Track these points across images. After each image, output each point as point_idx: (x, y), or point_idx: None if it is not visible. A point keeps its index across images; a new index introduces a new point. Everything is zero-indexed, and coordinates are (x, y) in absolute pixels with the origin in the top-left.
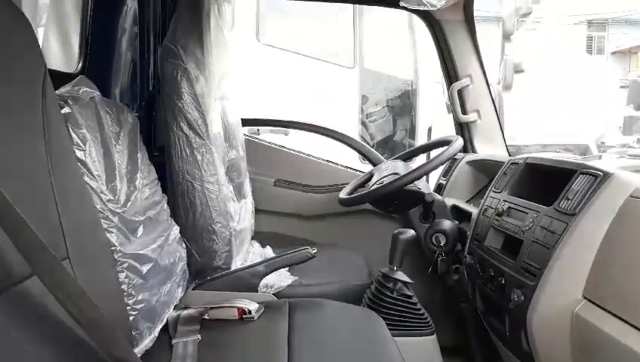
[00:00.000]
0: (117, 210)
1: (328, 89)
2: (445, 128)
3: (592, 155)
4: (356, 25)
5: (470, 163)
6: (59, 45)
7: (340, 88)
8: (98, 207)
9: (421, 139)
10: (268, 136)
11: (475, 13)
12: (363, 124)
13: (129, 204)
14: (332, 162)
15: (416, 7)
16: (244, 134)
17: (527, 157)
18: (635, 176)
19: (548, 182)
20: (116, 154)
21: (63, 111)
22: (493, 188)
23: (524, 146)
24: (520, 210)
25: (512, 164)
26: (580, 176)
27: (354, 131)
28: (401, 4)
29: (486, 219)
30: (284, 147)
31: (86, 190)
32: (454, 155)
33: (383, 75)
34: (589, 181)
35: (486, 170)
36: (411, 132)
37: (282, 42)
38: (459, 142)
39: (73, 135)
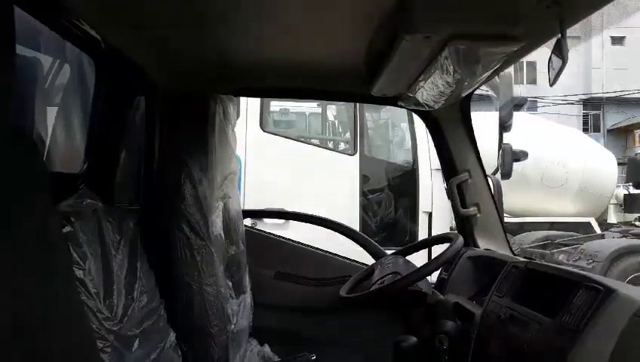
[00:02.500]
0: (113, 328)
1: (330, 174)
2: (445, 214)
3: (595, 234)
4: (357, 114)
5: (471, 258)
6: (65, 143)
7: (341, 174)
8: (94, 326)
9: (422, 225)
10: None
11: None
12: (364, 206)
13: (125, 319)
14: (332, 254)
15: (414, 108)
16: (245, 225)
17: (528, 262)
18: (638, 292)
19: (550, 288)
20: (116, 266)
21: (64, 230)
22: (495, 292)
23: (528, 224)
24: (523, 319)
25: (513, 267)
26: (583, 289)
27: (355, 214)
28: (399, 104)
29: (489, 326)
30: (284, 238)
31: (83, 312)
32: (455, 254)
33: (383, 162)
34: (592, 296)
35: (488, 266)
36: (412, 216)
37: (285, 131)
38: (459, 242)
39: (73, 254)
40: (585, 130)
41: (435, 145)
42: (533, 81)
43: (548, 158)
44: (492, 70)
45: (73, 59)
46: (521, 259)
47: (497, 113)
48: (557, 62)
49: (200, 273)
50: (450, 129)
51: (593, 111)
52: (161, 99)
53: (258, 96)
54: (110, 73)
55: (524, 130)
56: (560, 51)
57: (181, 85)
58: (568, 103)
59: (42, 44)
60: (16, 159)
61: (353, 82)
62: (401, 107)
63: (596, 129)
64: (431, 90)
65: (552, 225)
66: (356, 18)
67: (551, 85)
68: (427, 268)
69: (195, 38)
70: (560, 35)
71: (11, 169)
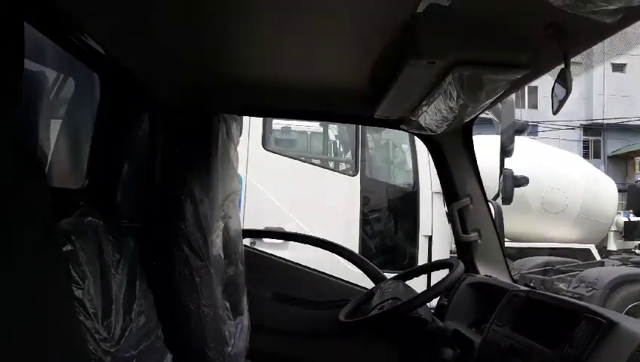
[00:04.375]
0: (110, 350)
1: (330, 194)
2: (445, 237)
3: (594, 261)
4: (358, 135)
5: (472, 285)
6: (67, 158)
7: (341, 194)
8: (91, 348)
9: (422, 248)
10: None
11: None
12: (364, 227)
13: (123, 339)
14: (332, 276)
15: (417, 132)
16: (244, 245)
17: (529, 291)
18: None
19: (551, 318)
20: (115, 286)
21: (64, 248)
22: (495, 321)
23: (528, 249)
24: (523, 350)
25: (514, 296)
26: (584, 321)
27: (355, 234)
28: (402, 127)
29: (489, 355)
30: (283, 259)
31: (81, 332)
32: (456, 281)
33: (384, 183)
34: (593, 328)
35: (488, 293)
36: (412, 239)
37: (287, 149)
38: (460, 268)
39: (73, 273)
40: (585, 155)
41: (437, 170)
42: (534, 105)
43: (548, 183)
44: (496, 96)
45: (78, 73)
46: (522, 288)
47: (498, 137)
48: (561, 91)
49: (198, 294)
50: (452, 154)
51: (594, 137)
52: (164, 116)
53: (261, 116)
54: (114, 89)
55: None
56: (564, 80)
57: (185, 103)
58: (569, 128)
59: (47, 57)
60: (18, 175)
61: (356, 104)
62: (404, 130)
63: (597, 155)
64: (434, 114)
65: (552, 251)
66: (360, 42)
67: (554, 113)
68: (427, 295)
69: (200, 57)
70: (564, 64)
71: (12, 185)
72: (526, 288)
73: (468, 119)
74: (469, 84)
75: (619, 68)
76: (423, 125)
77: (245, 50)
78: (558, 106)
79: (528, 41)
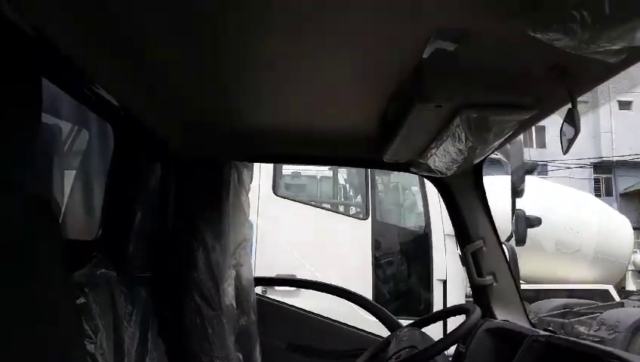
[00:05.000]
0: None
1: (342, 239)
2: (460, 281)
3: (614, 302)
4: (368, 178)
5: (489, 331)
6: (81, 209)
7: (353, 238)
8: None
9: (437, 292)
10: None
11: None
12: (376, 272)
13: None
14: (346, 325)
15: (427, 174)
16: (257, 294)
17: (549, 336)
18: None
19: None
20: (127, 339)
21: (78, 301)
22: None
23: (544, 291)
24: None
25: (533, 341)
26: None
27: (367, 279)
28: (412, 170)
29: None
30: (296, 307)
31: None
32: (474, 327)
33: (395, 227)
34: None
35: (507, 339)
36: (426, 283)
37: (297, 194)
38: (477, 313)
39: (85, 327)
40: (597, 193)
41: (449, 212)
42: (542, 144)
43: (561, 223)
44: (504, 138)
45: (91, 124)
46: (542, 333)
47: (508, 177)
48: (569, 130)
49: (211, 345)
50: (463, 195)
51: (604, 174)
52: (176, 165)
53: (272, 162)
54: (127, 139)
55: (536, 195)
56: (572, 120)
57: (196, 151)
58: (579, 167)
59: (61, 109)
60: (32, 227)
61: (365, 149)
62: (414, 173)
63: (608, 193)
64: (443, 157)
65: (569, 293)
66: (369, 88)
67: (564, 153)
68: (445, 342)
69: (211, 107)
70: (571, 104)
71: (27, 237)
72: (546, 332)
73: (477, 160)
74: (476, 126)
75: (625, 105)
76: (433, 168)
77: (256, 99)
78: (567, 145)
79: (533, 83)
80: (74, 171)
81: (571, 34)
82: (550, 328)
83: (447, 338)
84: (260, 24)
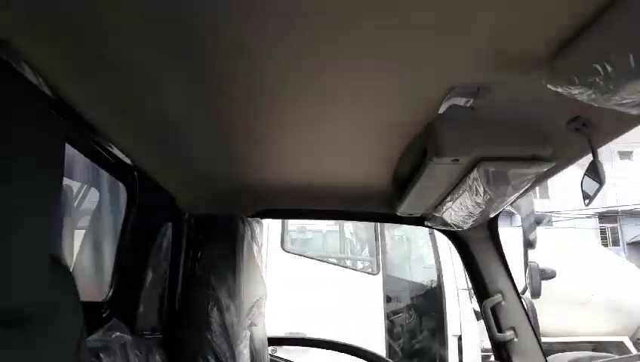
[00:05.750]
0: None
1: (352, 295)
2: (474, 335)
3: (631, 355)
4: (377, 233)
5: None
6: (92, 270)
7: (364, 294)
8: None
9: (451, 349)
10: None
11: None
12: (389, 329)
13: None
14: None
15: (442, 228)
16: (270, 355)
17: None
18: None
19: None
20: None
21: None
22: None
23: (558, 344)
24: None
25: None
26: None
27: (380, 337)
28: (426, 224)
29: None
30: None
31: None
32: None
33: (406, 281)
34: None
35: None
36: (440, 339)
37: (305, 250)
38: None
39: None
40: (604, 243)
41: (465, 266)
42: (546, 195)
43: (570, 275)
44: (523, 190)
45: (102, 183)
46: None
47: (516, 229)
48: (591, 183)
49: None
50: (479, 249)
51: (610, 224)
52: (188, 223)
53: (284, 218)
54: (139, 198)
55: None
56: (596, 173)
57: (208, 208)
58: (585, 217)
59: (73, 168)
60: (55, 290)
61: (378, 203)
62: (428, 227)
63: (615, 242)
64: (460, 210)
65: (584, 345)
66: (383, 144)
67: (586, 205)
68: None
69: (221, 163)
70: (592, 155)
71: (48, 299)
72: None
73: (494, 214)
74: (495, 180)
75: (626, 155)
76: (449, 221)
77: (267, 154)
78: (591, 198)
79: (552, 134)
80: (83, 231)
81: (594, 87)
82: None
83: None
84: (270, 79)
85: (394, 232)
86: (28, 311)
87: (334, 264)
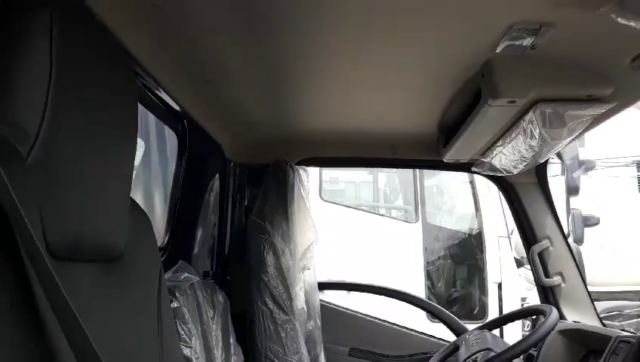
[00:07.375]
0: None
1: (392, 243)
2: (514, 283)
3: None
4: (416, 181)
5: (562, 332)
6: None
7: (403, 242)
8: None
9: (492, 295)
10: None
11: None
12: (428, 277)
13: None
14: (409, 329)
15: (489, 173)
16: (320, 300)
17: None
18: None
19: None
20: (213, 343)
21: (172, 305)
22: None
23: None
24: None
25: (621, 342)
26: None
27: (420, 285)
28: (473, 170)
29: None
30: (359, 312)
31: None
32: (552, 328)
33: (446, 230)
34: None
35: (582, 341)
36: (480, 287)
37: (342, 200)
38: (554, 315)
39: (181, 331)
40: None
41: (512, 212)
42: (581, 143)
43: (607, 223)
44: (578, 132)
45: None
46: (626, 333)
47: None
48: None
49: (284, 349)
50: (527, 195)
51: None
52: (236, 171)
53: (329, 166)
54: (190, 146)
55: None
56: None
57: (255, 157)
58: (624, 165)
59: None
60: (134, 230)
61: (424, 149)
62: (476, 173)
63: None
64: (511, 154)
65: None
66: (432, 86)
67: None
68: (524, 344)
69: (269, 110)
70: None
71: (131, 240)
72: (627, 333)
73: (544, 158)
74: (551, 122)
75: None
76: (498, 166)
77: (314, 102)
78: None
79: (613, 74)
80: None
81: None
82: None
83: (526, 340)
84: (319, 26)
85: (434, 181)
86: (117, 250)
87: (373, 213)
